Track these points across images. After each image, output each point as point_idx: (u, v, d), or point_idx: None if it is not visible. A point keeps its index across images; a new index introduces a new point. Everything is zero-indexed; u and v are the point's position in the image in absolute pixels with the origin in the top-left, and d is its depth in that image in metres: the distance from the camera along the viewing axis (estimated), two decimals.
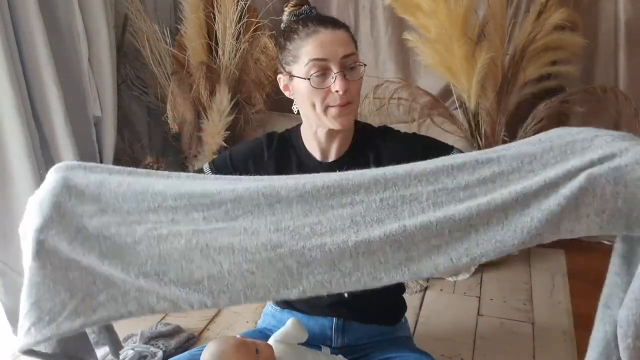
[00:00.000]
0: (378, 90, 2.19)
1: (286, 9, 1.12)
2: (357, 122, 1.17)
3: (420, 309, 1.87)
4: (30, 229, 0.79)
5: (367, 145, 1.14)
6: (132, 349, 1.57)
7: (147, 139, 2.58)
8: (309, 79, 1.02)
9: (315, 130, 1.12)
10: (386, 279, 0.77)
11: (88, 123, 2.11)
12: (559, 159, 0.75)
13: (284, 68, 1.09)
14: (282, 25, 1.12)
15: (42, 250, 0.79)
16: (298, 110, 1.13)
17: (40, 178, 1.79)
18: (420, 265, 0.76)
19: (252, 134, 2.46)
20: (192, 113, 2.35)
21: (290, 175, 0.86)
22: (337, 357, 1.16)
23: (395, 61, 2.52)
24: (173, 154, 2.66)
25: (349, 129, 1.14)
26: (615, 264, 0.77)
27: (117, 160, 2.34)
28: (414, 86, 2.23)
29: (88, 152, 2.12)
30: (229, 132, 2.35)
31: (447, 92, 2.35)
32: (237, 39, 2.33)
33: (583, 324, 1.73)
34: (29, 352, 0.87)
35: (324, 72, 1.02)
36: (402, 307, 1.31)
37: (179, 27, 2.43)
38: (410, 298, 1.86)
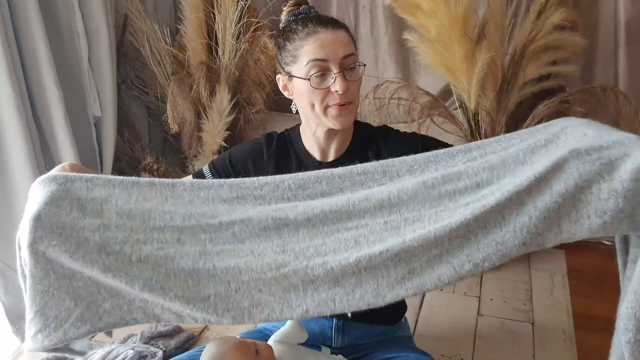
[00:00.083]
0: (378, 90, 2.19)
1: (285, 8, 1.12)
2: (356, 122, 1.17)
3: (420, 309, 1.87)
4: (26, 241, 0.78)
5: (367, 144, 1.14)
6: (132, 349, 1.57)
7: (147, 139, 2.59)
8: (308, 79, 1.02)
9: (315, 130, 1.12)
10: (390, 296, 0.77)
11: (88, 123, 2.11)
12: (543, 151, 0.75)
13: (283, 68, 1.09)
14: (281, 25, 1.11)
15: (43, 260, 0.79)
16: (297, 110, 1.13)
17: None
18: (423, 278, 0.76)
19: (252, 134, 2.46)
20: (192, 113, 2.35)
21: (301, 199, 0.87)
22: (337, 357, 1.16)
23: (395, 61, 2.52)
24: (173, 154, 2.66)
25: (349, 129, 1.14)
26: (621, 264, 0.77)
27: (117, 160, 2.34)
28: (414, 86, 2.23)
29: (88, 152, 2.12)
30: (229, 132, 2.35)
31: (447, 92, 2.35)
32: (237, 39, 2.33)
33: (583, 324, 1.73)
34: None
35: (323, 73, 1.02)
36: (402, 307, 1.31)
37: (179, 27, 2.43)
38: (410, 298, 1.85)
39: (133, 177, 0.87)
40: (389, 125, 1.20)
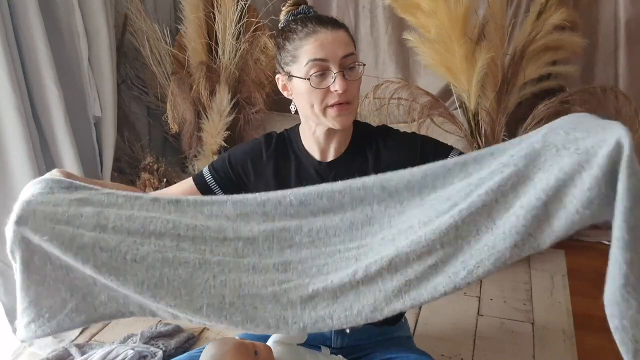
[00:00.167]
0: (378, 90, 2.19)
1: (284, 8, 1.12)
2: (355, 122, 1.16)
3: (420, 309, 1.86)
4: (17, 234, 0.77)
5: (366, 144, 1.14)
6: (132, 349, 1.57)
7: (147, 139, 2.59)
8: (308, 79, 1.01)
9: (314, 130, 1.11)
10: (387, 310, 0.76)
11: (88, 123, 2.11)
12: (523, 146, 0.74)
13: (282, 68, 1.09)
14: (280, 25, 1.11)
15: (41, 251, 0.78)
16: (296, 110, 1.13)
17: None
18: (419, 290, 0.75)
19: (252, 134, 2.46)
20: (192, 113, 2.35)
21: (304, 215, 0.87)
22: (337, 358, 1.16)
23: (395, 61, 2.52)
24: (173, 154, 2.66)
25: (348, 129, 1.13)
26: None
27: (117, 160, 2.34)
28: (414, 86, 2.23)
29: (88, 152, 2.12)
30: (229, 132, 2.36)
31: (447, 92, 2.35)
32: (237, 39, 2.33)
33: (583, 324, 1.73)
34: None
35: (323, 72, 1.02)
36: None
37: (179, 27, 2.43)
38: None
39: (137, 193, 0.87)
40: (389, 125, 1.20)
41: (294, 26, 1.05)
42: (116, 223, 0.80)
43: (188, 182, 1.20)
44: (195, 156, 2.45)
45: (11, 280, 1.71)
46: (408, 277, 0.76)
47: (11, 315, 1.74)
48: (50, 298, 0.81)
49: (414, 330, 1.75)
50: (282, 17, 1.12)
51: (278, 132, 1.21)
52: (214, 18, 2.33)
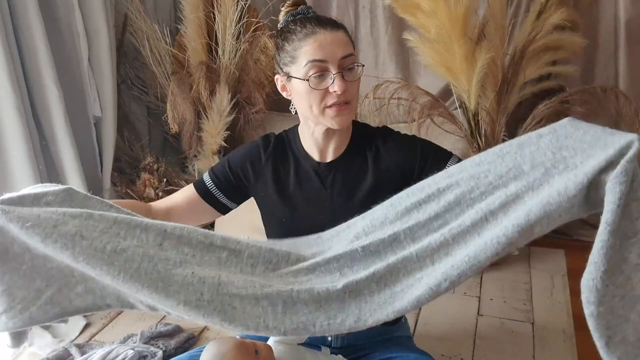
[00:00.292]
0: (378, 90, 2.19)
1: (283, 9, 1.11)
2: (354, 122, 1.16)
3: (420, 309, 1.86)
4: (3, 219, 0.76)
5: (366, 145, 1.14)
6: (132, 349, 1.57)
7: (147, 139, 2.59)
8: (307, 80, 1.01)
9: (313, 130, 1.11)
10: (371, 321, 0.76)
11: (88, 123, 2.11)
12: (510, 166, 0.75)
13: (281, 69, 1.09)
14: (279, 25, 1.11)
15: (20, 239, 0.77)
16: (295, 111, 1.13)
17: (40, 178, 1.79)
18: (403, 301, 0.76)
19: (252, 134, 2.46)
20: (192, 113, 2.35)
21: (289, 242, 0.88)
22: (337, 358, 1.16)
23: (395, 61, 2.52)
24: (173, 154, 2.67)
25: (347, 129, 1.13)
26: None
27: (117, 160, 2.34)
28: (414, 86, 2.23)
29: (88, 152, 2.12)
30: (229, 132, 2.36)
31: (447, 92, 2.35)
32: (237, 39, 2.33)
33: (583, 324, 1.71)
34: None
35: (322, 73, 1.02)
36: None
37: (179, 27, 2.43)
38: None
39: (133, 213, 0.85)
40: (389, 127, 1.20)
41: (293, 27, 1.05)
42: (102, 215, 0.79)
43: (189, 189, 1.20)
44: (195, 156, 2.45)
45: None
46: (394, 290, 0.76)
47: None
48: (25, 288, 0.79)
49: (414, 330, 1.75)
50: (281, 17, 1.11)
51: (277, 133, 1.21)
52: (214, 18, 2.33)
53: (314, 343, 1.18)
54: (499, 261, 2.07)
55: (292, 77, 1.05)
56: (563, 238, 2.22)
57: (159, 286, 0.75)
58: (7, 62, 1.67)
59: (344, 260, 0.81)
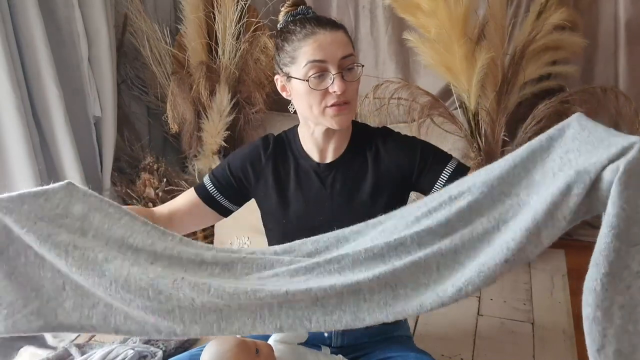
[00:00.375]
0: (378, 90, 2.19)
1: (282, 9, 1.11)
2: (354, 122, 1.16)
3: None
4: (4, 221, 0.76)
5: (365, 145, 1.14)
6: (132, 349, 1.57)
7: (147, 138, 2.59)
8: (307, 81, 1.01)
9: (313, 131, 1.11)
10: (369, 320, 0.75)
11: (88, 123, 2.11)
12: (522, 175, 0.74)
13: (281, 69, 1.09)
14: (279, 25, 1.11)
15: (19, 241, 0.77)
16: (295, 110, 1.13)
17: (40, 178, 1.79)
18: (405, 305, 0.74)
19: (252, 134, 2.46)
20: (192, 113, 2.35)
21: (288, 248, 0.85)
22: (337, 357, 1.16)
23: (395, 61, 2.52)
24: (173, 154, 2.67)
25: (347, 129, 1.13)
26: None
27: (117, 160, 2.34)
28: (414, 86, 2.23)
29: (88, 152, 2.12)
30: (229, 132, 2.36)
31: (447, 92, 2.35)
32: (237, 39, 2.33)
33: (583, 324, 1.73)
34: None
35: (322, 73, 1.02)
36: None
37: (179, 27, 2.43)
38: None
39: (131, 212, 0.85)
40: (390, 127, 1.20)
41: (293, 27, 1.05)
42: (97, 232, 0.78)
43: (191, 194, 1.20)
44: (195, 156, 2.45)
45: None
46: (397, 292, 0.75)
47: None
48: (13, 294, 0.78)
49: (414, 330, 1.75)
50: (281, 17, 1.11)
51: (276, 134, 1.21)
52: (214, 18, 2.33)
53: (314, 342, 1.18)
54: None
55: (291, 77, 1.05)
56: (563, 238, 2.18)
57: (150, 294, 0.74)
58: (7, 62, 1.67)
59: (345, 261, 0.79)
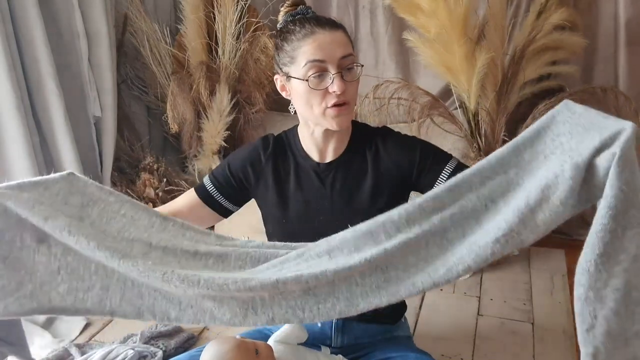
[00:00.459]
0: (378, 90, 2.19)
1: (282, 9, 1.11)
2: (354, 122, 1.16)
3: (420, 309, 1.87)
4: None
5: (365, 145, 1.14)
6: (132, 349, 1.57)
7: (147, 138, 2.59)
8: (306, 80, 1.01)
9: (313, 131, 1.12)
10: (362, 305, 0.74)
11: (88, 123, 2.11)
12: (512, 155, 0.73)
13: (280, 69, 1.09)
14: (278, 25, 1.11)
15: (15, 224, 0.77)
16: (295, 111, 1.13)
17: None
18: (398, 286, 0.74)
19: (252, 134, 2.46)
20: (192, 113, 2.35)
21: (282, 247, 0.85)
22: (337, 357, 1.16)
23: (395, 61, 2.52)
24: (173, 154, 2.67)
25: (346, 129, 1.14)
26: None
27: (117, 160, 2.35)
28: (414, 86, 2.23)
29: (88, 151, 2.12)
30: (229, 132, 2.36)
31: (447, 92, 2.36)
32: (237, 39, 2.34)
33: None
34: None
35: (321, 73, 1.02)
36: (402, 306, 1.31)
37: (179, 27, 2.44)
38: (410, 298, 1.86)
39: (132, 200, 0.85)
40: (389, 127, 1.20)
41: (292, 27, 1.05)
42: (94, 221, 0.79)
43: (191, 195, 1.20)
44: (195, 156, 2.45)
45: None
46: (388, 274, 0.74)
47: None
48: (6, 278, 0.78)
49: (414, 330, 1.75)
50: (281, 17, 1.11)
51: (276, 134, 1.21)
52: (214, 18, 2.33)
53: (314, 343, 1.18)
54: (499, 261, 2.08)
55: (291, 77, 1.05)
56: (563, 238, 2.22)
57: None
58: (7, 62, 1.67)
59: (334, 241, 0.78)
